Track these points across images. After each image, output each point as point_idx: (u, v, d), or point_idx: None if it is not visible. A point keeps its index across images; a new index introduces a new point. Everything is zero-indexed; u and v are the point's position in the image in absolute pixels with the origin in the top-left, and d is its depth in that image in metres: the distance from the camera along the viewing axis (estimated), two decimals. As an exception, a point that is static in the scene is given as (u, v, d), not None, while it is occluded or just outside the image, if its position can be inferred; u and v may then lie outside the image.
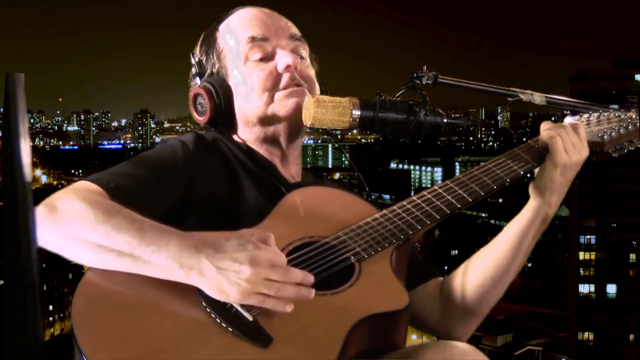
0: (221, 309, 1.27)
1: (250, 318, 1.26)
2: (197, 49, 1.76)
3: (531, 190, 1.64)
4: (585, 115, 1.76)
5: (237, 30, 1.70)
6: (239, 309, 1.27)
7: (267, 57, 1.66)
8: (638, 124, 1.75)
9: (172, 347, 1.21)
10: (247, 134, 1.69)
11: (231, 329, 1.24)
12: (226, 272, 1.23)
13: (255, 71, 1.65)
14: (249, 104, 1.66)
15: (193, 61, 1.75)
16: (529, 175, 1.68)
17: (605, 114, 1.76)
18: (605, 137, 1.72)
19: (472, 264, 1.69)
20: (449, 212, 1.54)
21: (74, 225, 1.30)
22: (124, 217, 1.30)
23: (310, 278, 1.28)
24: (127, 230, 1.28)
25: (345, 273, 1.41)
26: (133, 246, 1.27)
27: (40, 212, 1.32)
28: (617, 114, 1.76)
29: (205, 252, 1.25)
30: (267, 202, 1.54)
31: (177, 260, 1.25)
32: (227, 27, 1.72)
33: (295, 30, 1.73)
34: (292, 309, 1.26)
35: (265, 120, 1.66)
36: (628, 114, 1.76)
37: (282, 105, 1.64)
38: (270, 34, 1.68)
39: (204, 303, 1.27)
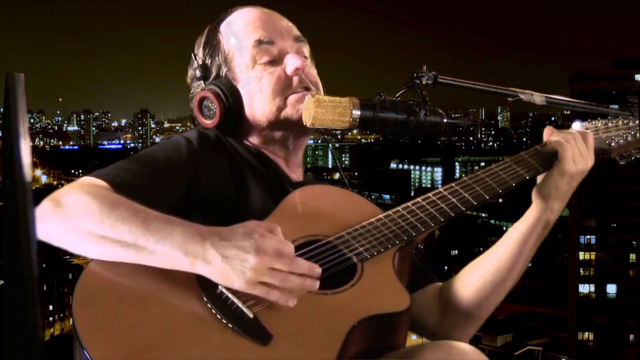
0: (222, 305, 1.27)
1: (250, 315, 1.26)
2: (200, 51, 1.73)
3: (534, 195, 1.64)
4: (594, 122, 1.76)
5: (241, 33, 1.68)
6: (240, 305, 1.27)
7: (274, 60, 1.66)
8: None
9: (172, 342, 1.21)
10: (255, 136, 1.69)
11: (231, 326, 1.24)
12: (232, 260, 1.23)
13: (264, 74, 1.65)
14: (259, 107, 1.65)
15: (196, 63, 1.72)
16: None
17: (614, 121, 1.76)
18: (612, 144, 1.73)
19: (473, 268, 1.69)
20: (453, 214, 1.54)
21: (78, 218, 1.30)
22: (128, 208, 1.30)
23: (317, 269, 1.29)
24: (131, 221, 1.28)
25: (348, 273, 1.41)
26: (137, 236, 1.26)
27: (45, 206, 1.32)
28: (625, 121, 1.76)
29: (210, 240, 1.25)
30: (273, 201, 1.54)
31: (182, 249, 1.25)
32: (230, 28, 1.70)
33: (296, 31, 1.73)
34: (295, 303, 1.26)
35: (276, 124, 1.65)
36: (636, 122, 1.76)
37: (295, 110, 1.64)
38: (276, 37, 1.67)
39: (205, 298, 1.27)
